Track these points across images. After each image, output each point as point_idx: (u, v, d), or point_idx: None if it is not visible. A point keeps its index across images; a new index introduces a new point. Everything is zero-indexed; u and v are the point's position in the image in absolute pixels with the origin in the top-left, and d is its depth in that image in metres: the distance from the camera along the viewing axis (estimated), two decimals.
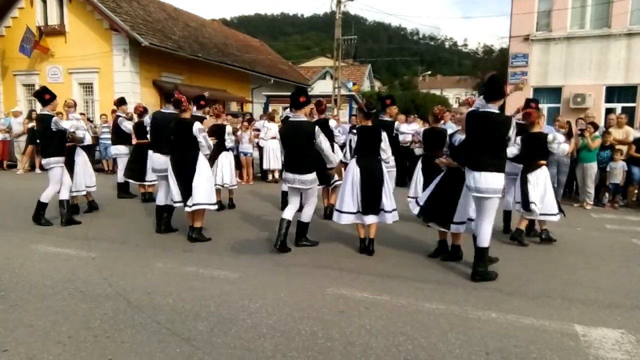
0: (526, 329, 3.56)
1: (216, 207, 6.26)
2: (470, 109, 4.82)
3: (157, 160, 6.46)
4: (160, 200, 6.49)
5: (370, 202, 5.38)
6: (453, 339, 3.40)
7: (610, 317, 3.81)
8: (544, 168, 6.06)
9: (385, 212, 5.46)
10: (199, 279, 4.58)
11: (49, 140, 6.65)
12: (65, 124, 6.67)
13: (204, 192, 5.85)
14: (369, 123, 5.64)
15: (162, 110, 6.69)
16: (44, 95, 6.62)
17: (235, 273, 4.76)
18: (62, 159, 6.79)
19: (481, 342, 3.35)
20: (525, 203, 5.94)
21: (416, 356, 3.15)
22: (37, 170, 13.37)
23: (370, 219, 5.44)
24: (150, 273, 4.76)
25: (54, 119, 6.60)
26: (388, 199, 5.48)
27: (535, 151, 6.04)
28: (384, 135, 5.49)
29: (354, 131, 5.55)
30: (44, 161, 6.80)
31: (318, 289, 4.33)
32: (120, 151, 9.30)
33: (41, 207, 6.82)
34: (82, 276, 4.63)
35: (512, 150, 5.77)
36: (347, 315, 3.78)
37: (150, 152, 6.78)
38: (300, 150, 5.33)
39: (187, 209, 5.86)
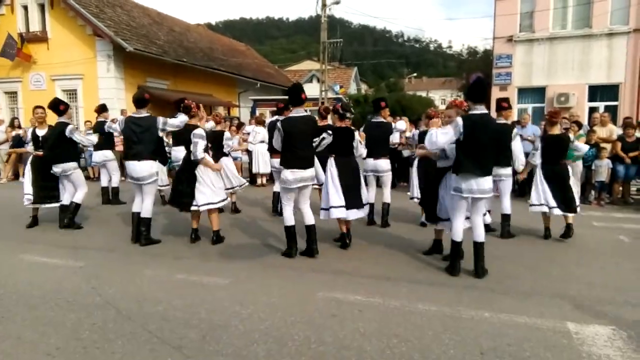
0: (519, 328, 3.57)
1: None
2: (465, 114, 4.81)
3: (135, 169, 6.03)
4: (139, 208, 6.20)
5: (352, 197, 5.68)
6: (447, 339, 3.40)
7: (601, 314, 3.84)
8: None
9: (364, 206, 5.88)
10: (189, 286, 4.53)
11: (65, 145, 6.86)
12: (79, 137, 7.07)
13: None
14: (344, 124, 5.87)
15: (133, 115, 6.23)
16: (59, 106, 6.91)
17: (225, 279, 4.72)
18: (76, 163, 7.15)
19: (475, 342, 3.36)
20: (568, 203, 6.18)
21: (410, 358, 3.14)
22: (21, 179, 13.14)
23: (354, 214, 5.74)
24: (139, 281, 4.69)
25: (69, 127, 6.90)
26: (364, 194, 5.93)
27: (555, 153, 6.22)
28: (356, 134, 5.91)
29: (329, 132, 5.56)
30: (61, 167, 6.90)
31: (310, 293, 4.31)
32: (108, 157, 9.19)
33: (76, 209, 7.11)
34: (70, 286, 4.55)
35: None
36: (340, 318, 3.76)
37: (128, 162, 6.13)
38: (311, 145, 5.32)
39: (212, 206, 6.00)
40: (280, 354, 3.21)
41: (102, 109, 9.55)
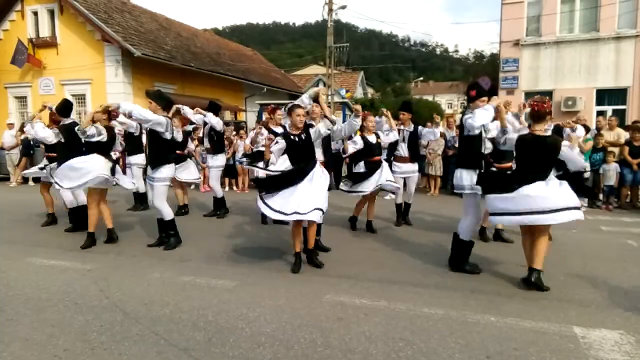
0: (525, 332, 3.56)
1: None
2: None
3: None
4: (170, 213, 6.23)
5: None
6: (453, 343, 3.39)
7: (608, 318, 3.82)
8: None
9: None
10: (196, 289, 4.55)
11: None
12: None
13: None
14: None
15: None
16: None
17: (232, 282, 4.74)
18: None
19: (481, 345, 3.35)
20: None
21: None
22: (31, 183, 13.29)
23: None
24: (146, 283, 4.73)
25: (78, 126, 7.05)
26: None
27: None
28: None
29: None
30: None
31: (316, 296, 4.32)
32: (138, 161, 8.72)
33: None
34: (77, 288, 4.59)
35: None
36: (345, 322, 3.77)
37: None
38: None
39: None
40: (286, 356, 3.21)
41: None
